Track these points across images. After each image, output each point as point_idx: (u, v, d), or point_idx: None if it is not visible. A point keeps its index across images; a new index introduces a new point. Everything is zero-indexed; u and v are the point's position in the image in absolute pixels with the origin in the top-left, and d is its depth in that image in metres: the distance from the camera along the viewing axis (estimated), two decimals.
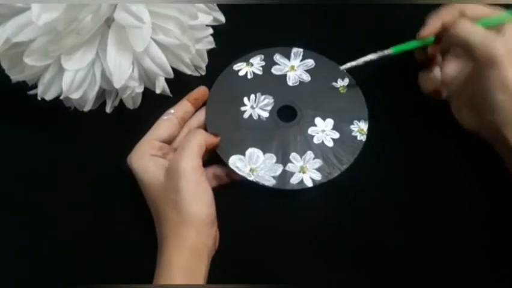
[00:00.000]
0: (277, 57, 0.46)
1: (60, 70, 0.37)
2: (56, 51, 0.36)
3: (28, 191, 0.42)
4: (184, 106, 0.42)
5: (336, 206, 0.41)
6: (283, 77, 0.46)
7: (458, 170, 0.42)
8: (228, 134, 0.42)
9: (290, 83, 0.45)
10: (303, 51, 0.47)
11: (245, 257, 0.40)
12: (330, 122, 0.43)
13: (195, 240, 0.35)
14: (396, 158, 0.43)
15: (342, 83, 0.45)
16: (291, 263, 0.39)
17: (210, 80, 0.45)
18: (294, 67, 0.46)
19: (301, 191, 0.41)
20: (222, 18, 0.43)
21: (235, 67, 0.46)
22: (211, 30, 0.43)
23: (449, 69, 0.42)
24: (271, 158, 0.41)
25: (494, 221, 0.40)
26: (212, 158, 0.41)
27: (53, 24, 0.33)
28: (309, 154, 0.42)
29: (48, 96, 0.39)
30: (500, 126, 0.37)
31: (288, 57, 0.46)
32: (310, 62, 0.46)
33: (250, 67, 0.46)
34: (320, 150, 0.42)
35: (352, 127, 0.43)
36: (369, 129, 0.43)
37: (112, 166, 0.41)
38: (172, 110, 0.41)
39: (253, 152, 0.42)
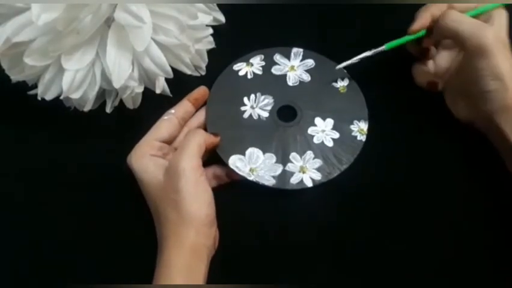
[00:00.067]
0: (277, 57, 0.46)
1: (60, 70, 0.37)
2: (56, 51, 0.36)
3: (28, 191, 0.42)
4: (184, 106, 0.42)
5: (336, 206, 0.41)
6: (283, 77, 0.46)
7: (459, 169, 0.42)
8: (227, 134, 0.42)
9: (290, 83, 0.45)
10: (303, 51, 0.47)
11: (245, 257, 0.40)
12: (330, 122, 0.43)
13: (195, 240, 0.35)
14: (396, 158, 0.43)
15: (342, 83, 0.45)
16: (291, 263, 0.39)
17: (210, 80, 0.45)
18: (294, 67, 0.46)
19: (301, 191, 0.41)
20: (222, 18, 0.43)
21: (235, 67, 0.46)
22: (211, 30, 0.43)
23: (441, 61, 0.42)
24: (271, 157, 0.41)
25: (496, 220, 0.40)
26: (212, 158, 0.41)
27: (53, 24, 0.33)
28: (309, 154, 0.42)
29: (48, 96, 0.39)
30: (493, 114, 0.38)
31: (288, 57, 0.46)
32: (310, 62, 0.46)
33: (250, 67, 0.46)
34: (320, 150, 0.42)
35: (352, 127, 0.43)
36: (369, 129, 0.43)
37: (112, 166, 0.41)
38: (172, 110, 0.42)
39: (253, 151, 0.42)
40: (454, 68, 0.42)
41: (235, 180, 0.41)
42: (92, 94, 0.39)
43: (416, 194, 0.42)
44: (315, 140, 0.42)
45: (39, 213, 0.41)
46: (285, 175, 0.41)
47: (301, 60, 0.46)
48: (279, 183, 0.40)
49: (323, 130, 0.43)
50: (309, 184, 0.40)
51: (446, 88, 0.43)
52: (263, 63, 0.46)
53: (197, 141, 0.38)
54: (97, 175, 0.42)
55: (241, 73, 0.46)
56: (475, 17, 0.40)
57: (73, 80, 0.37)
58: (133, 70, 0.38)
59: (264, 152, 0.42)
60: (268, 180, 0.40)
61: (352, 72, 0.45)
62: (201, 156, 0.38)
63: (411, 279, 0.39)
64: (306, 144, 0.42)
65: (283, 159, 0.41)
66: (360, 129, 0.43)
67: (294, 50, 0.47)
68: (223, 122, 0.43)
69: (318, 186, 0.40)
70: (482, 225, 0.40)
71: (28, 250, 0.40)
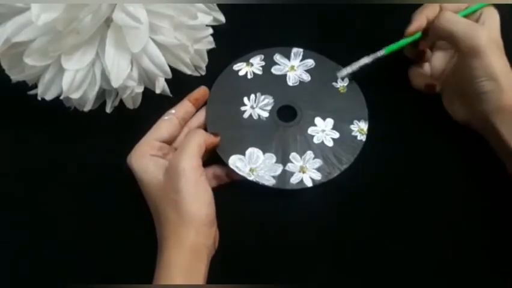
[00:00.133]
0: (277, 57, 0.46)
1: (60, 70, 0.37)
2: (56, 51, 0.36)
3: (28, 191, 0.42)
4: (185, 106, 0.42)
5: (336, 206, 0.41)
6: (283, 77, 0.46)
7: (457, 169, 0.42)
8: (228, 134, 0.42)
9: (290, 83, 0.45)
10: (303, 51, 0.47)
11: (245, 256, 0.40)
12: (330, 121, 0.43)
13: (195, 240, 0.35)
14: (396, 158, 0.43)
15: (342, 83, 0.45)
16: (290, 263, 0.39)
17: (210, 80, 0.45)
18: (294, 67, 0.46)
19: (301, 191, 0.41)
20: (222, 18, 0.43)
21: (235, 67, 0.46)
22: (211, 30, 0.43)
23: (437, 62, 0.43)
24: (271, 157, 0.41)
25: (494, 220, 0.40)
26: (212, 158, 0.41)
27: (53, 24, 0.33)
28: (309, 154, 0.42)
29: (48, 96, 0.39)
30: (488, 115, 0.38)
31: (288, 57, 0.46)
32: (310, 62, 0.46)
33: (250, 67, 0.46)
34: (320, 150, 0.42)
35: (352, 127, 0.43)
36: (369, 129, 0.43)
37: (112, 166, 0.41)
38: (173, 110, 0.42)
39: (253, 151, 0.42)
40: (450, 69, 0.42)
41: (235, 180, 0.41)
42: (92, 94, 0.39)
43: (415, 194, 0.42)
44: (315, 140, 0.42)
45: (39, 213, 0.41)
46: (285, 175, 0.41)
47: (301, 60, 0.46)
48: (279, 183, 0.40)
49: (323, 130, 0.43)
50: (309, 184, 0.40)
51: (443, 89, 0.43)
52: (263, 63, 0.46)
53: (197, 141, 0.38)
54: (97, 175, 0.42)
55: (241, 73, 0.46)
56: (466, 16, 0.40)
57: (73, 80, 0.37)
58: (131, 70, 0.38)
59: (264, 152, 0.42)
60: (268, 180, 0.40)
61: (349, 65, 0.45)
62: (201, 156, 0.38)
63: (410, 279, 0.39)
64: (306, 144, 0.42)
65: (283, 159, 0.41)
66: (360, 129, 0.43)
67: (294, 50, 0.47)
68: (223, 122, 0.43)
69: (318, 186, 0.40)
70: (480, 225, 0.40)
71: (28, 250, 0.40)
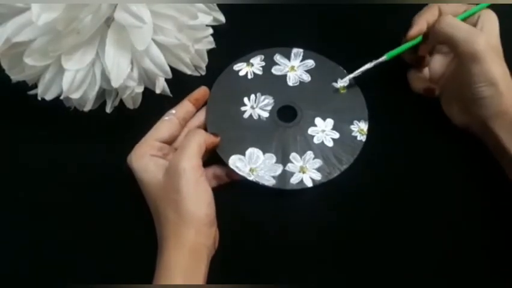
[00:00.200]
0: (278, 58, 0.46)
1: (61, 70, 0.37)
2: (56, 51, 0.36)
3: (28, 191, 0.42)
4: (185, 106, 0.42)
5: (336, 206, 0.41)
6: (284, 77, 0.46)
7: (457, 170, 0.42)
8: (228, 134, 0.42)
9: (290, 83, 0.45)
10: (303, 52, 0.47)
11: (245, 256, 0.40)
12: (330, 122, 0.43)
13: (195, 240, 0.35)
14: (396, 158, 0.43)
15: (342, 84, 0.45)
16: (290, 263, 0.39)
17: (210, 80, 0.45)
18: (294, 67, 0.46)
19: (301, 191, 0.41)
20: (222, 18, 0.43)
21: (236, 67, 0.46)
22: (211, 30, 0.43)
23: (436, 66, 0.43)
24: (271, 158, 0.41)
25: (494, 220, 0.40)
26: (212, 158, 0.41)
27: (53, 24, 0.33)
28: (309, 154, 0.42)
29: (49, 96, 0.39)
30: (487, 120, 0.38)
31: (288, 57, 0.46)
32: (310, 63, 0.46)
33: (250, 67, 0.46)
34: (320, 150, 0.42)
35: (352, 127, 0.43)
36: (369, 129, 0.43)
37: (112, 166, 0.41)
38: (173, 111, 0.41)
39: (253, 151, 0.42)
40: (449, 73, 0.42)
41: (235, 180, 0.41)
42: (92, 94, 0.39)
43: (415, 194, 0.42)
44: (315, 140, 0.42)
45: (39, 213, 0.41)
46: (285, 175, 0.41)
47: (302, 61, 0.46)
48: (279, 183, 0.40)
49: (323, 130, 0.43)
50: (309, 184, 0.40)
51: (442, 93, 0.43)
52: (263, 63, 0.46)
53: (197, 141, 0.38)
54: (97, 175, 0.42)
55: (241, 73, 0.46)
56: (464, 19, 0.41)
57: (73, 80, 0.37)
58: (132, 70, 0.38)
59: (264, 152, 0.42)
60: (268, 180, 0.40)
61: (352, 71, 0.45)
62: (201, 156, 0.38)
63: (410, 278, 0.39)
64: (306, 144, 0.42)
65: (283, 160, 0.41)
66: (360, 129, 0.43)
67: (294, 50, 0.47)
68: (224, 122, 0.43)
69: (318, 186, 0.40)
70: (480, 225, 0.40)
71: (28, 250, 0.40)
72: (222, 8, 0.43)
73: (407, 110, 0.45)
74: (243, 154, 0.41)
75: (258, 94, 0.44)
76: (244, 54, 0.46)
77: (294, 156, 0.42)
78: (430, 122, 0.44)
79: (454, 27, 0.39)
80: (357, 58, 0.44)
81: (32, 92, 0.41)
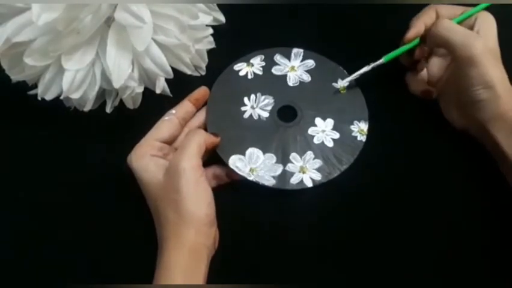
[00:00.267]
0: (278, 58, 0.46)
1: (61, 70, 0.37)
2: (56, 51, 0.36)
3: (28, 191, 0.42)
4: (185, 106, 0.42)
5: (336, 206, 0.41)
6: (284, 77, 0.46)
7: (459, 169, 0.42)
8: (228, 134, 0.42)
9: (290, 83, 0.45)
10: (304, 52, 0.47)
11: (245, 257, 0.40)
12: (330, 122, 0.43)
13: (195, 240, 0.35)
14: (396, 158, 0.43)
15: (342, 84, 0.45)
16: (290, 263, 0.39)
17: (210, 80, 0.45)
18: (295, 67, 0.46)
19: (301, 191, 0.41)
20: (222, 18, 0.43)
21: (236, 67, 0.46)
22: (211, 30, 0.43)
23: (434, 69, 0.43)
24: (271, 158, 0.41)
25: (494, 220, 0.40)
26: (212, 158, 0.41)
27: (53, 24, 0.33)
28: (309, 154, 0.42)
29: (49, 96, 0.39)
30: (485, 123, 0.38)
31: (288, 57, 0.46)
32: (310, 63, 0.46)
33: (250, 67, 0.46)
34: (320, 151, 0.42)
35: (352, 127, 0.43)
36: (369, 130, 0.43)
37: (112, 166, 0.41)
38: (173, 111, 0.41)
39: (253, 152, 0.42)
40: (447, 76, 0.42)
41: (235, 180, 0.41)
42: (92, 94, 0.39)
43: (415, 194, 0.42)
44: (315, 140, 0.42)
45: (39, 213, 0.41)
46: (285, 175, 0.41)
47: (302, 61, 0.46)
48: (279, 184, 0.40)
49: (323, 130, 0.43)
50: (309, 184, 0.40)
51: (440, 96, 0.43)
52: (263, 63, 0.46)
53: (197, 141, 0.38)
54: (97, 175, 0.42)
55: (241, 73, 0.46)
56: (462, 21, 0.41)
57: (73, 80, 0.37)
58: (132, 70, 0.38)
59: (264, 152, 0.42)
60: (268, 181, 0.40)
61: (352, 72, 0.45)
62: (201, 156, 0.38)
63: (410, 278, 0.39)
64: (306, 144, 0.42)
65: (283, 160, 0.41)
66: (360, 129, 0.43)
67: (295, 50, 0.47)
68: (224, 122, 0.43)
69: (318, 187, 0.40)
70: (480, 224, 0.40)
71: (28, 250, 0.40)
72: (222, 8, 0.43)
73: (408, 110, 0.45)
74: (243, 154, 0.41)
75: (258, 94, 0.44)
76: (244, 54, 0.46)
77: (294, 156, 0.42)
78: (430, 122, 0.44)
79: (450, 30, 0.39)
80: (357, 58, 0.44)
81: (32, 92, 0.41)
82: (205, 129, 0.42)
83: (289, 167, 0.41)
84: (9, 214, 0.42)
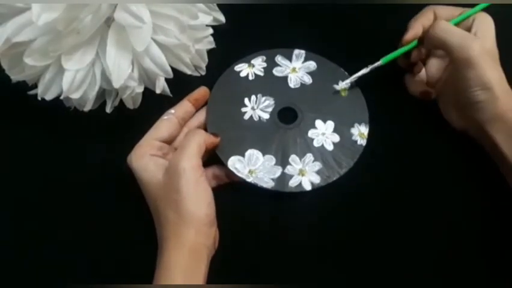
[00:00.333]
0: (279, 59, 0.46)
1: (61, 70, 0.37)
2: (56, 51, 0.36)
3: (28, 191, 0.42)
4: (184, 106, 0.42)
5: (336, 206, 0.41)
6: (285, 78, 0.45)
7: (459, 170, 0.42)
8: (228, 135, 0.42)
9: (291, 84, 0.45)
10: (305, 53, 0.47)
11: (245, 257, 0.40)
12: (330, 124, 0.43)
13: (194, 240, 0.35)
14: (396, 159, 0.43)
15: (343, 86, 0.45)
16: (290, 263, 0.39)
17: (210, 80, 0.45)
18: (296, 69, 0.46)
19: (300, 193, 0.41)
20: (222, 18, 0.43)
21: (237, 68, 0.46)
22: (211, 30, 0.43)
23: (432, 70, 0.43)
24: (271, 159, 0.41)
25: (494, 220, 0.40)
26: (212, 158, 0.41)
27: (53, 24, 0.33)
28: (309, 157, 0.42)
29: (49, 96, 0.39)
30: (484, 123, 0.39)
31: (289, 58, 0.46)
32: (312, 64, 0.46)
33: (251, 68, 0.46)
34: (320, 153, 0.42)
35: (352, 130, 0.43)
36: (369, 133, 0.43)
37: (112, 166, 0.41)
38: (172, 110, 0.41)
39: (252, 153, 0.41)
40: (445, 77, 0.42)
41: (235, 180, 0.41)
42: (92, 94, 0.39)
43: (415, 194, 0.42)
44: (315, 143, 0.42)
45: (39, 213, 0.41)
46: (284, 177, 0.41)
47: (303, 62, 0.46)
48: (277, 186, 0.40)
49: (323, 133, 0.43)
50: (308, 187, 0.40)
51: (439, 97, 0.43)
52: (264, 64, 0.46)
53: (197, 141, 0.38)
54: (97, 175, 0.42)
55: (242, 74, 0.46)
56: (460, 22, 0.41)
57: (73, 80, 0.37)
58: (132, 70, 0.38)
59: (263, 154, 0.42)
60: (267, 183, 0.40)
61: (353, 73, 0.45)
62: (201, 156, 0.38)
63: (410, 278, 0.39)
64: (306, 146, 0.42)
65: (283, 162, 0.41)
66: (360, 133, 0.43)
67: (296, 51, 0.47)
68: (224, 122, 0.43)
69: (317, 190, 0.40)
70: (480, 225, 0.40)
71: (28, 250, 0.40)
72: (222, 8, 0.43)
73: (407, 111, 0.45)
74: (243, 155, 0.41)
75: (259, 95, 0.44)
76: (244, 55, 0.46)
77: (293, 158, 0.42)
78: (430, 122, 0.44)
79: (448, 32, 0.39)
80: (357, 58, 0.44)
81: (32, 92, 0.41)
82: (205, 130, 0.42)
83: (289, 169, 0.41)
84: (9, 214, 0.42)
